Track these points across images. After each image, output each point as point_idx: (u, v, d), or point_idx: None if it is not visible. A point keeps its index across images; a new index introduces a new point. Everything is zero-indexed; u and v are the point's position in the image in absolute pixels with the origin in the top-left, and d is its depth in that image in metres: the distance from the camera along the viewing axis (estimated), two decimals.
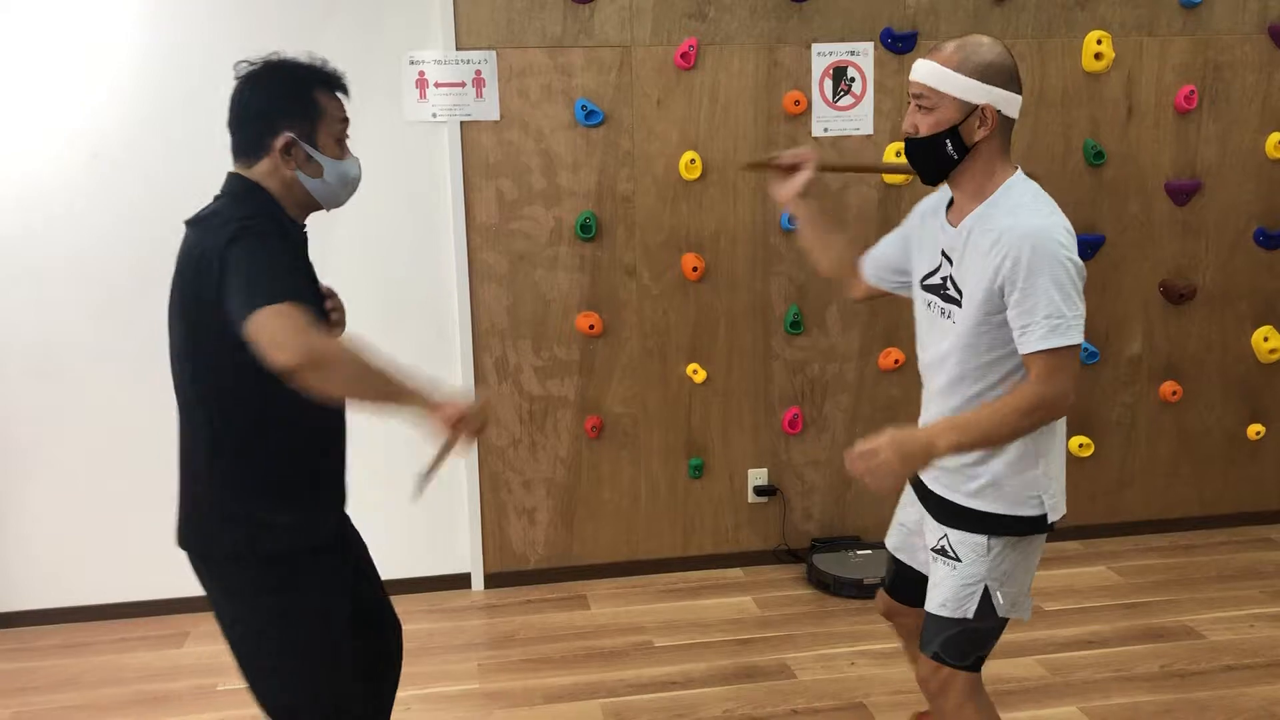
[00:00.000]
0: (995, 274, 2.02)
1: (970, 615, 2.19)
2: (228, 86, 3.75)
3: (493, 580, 3.98)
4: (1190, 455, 4.32)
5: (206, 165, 3.62)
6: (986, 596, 2.18)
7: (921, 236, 2.27)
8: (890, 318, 4.04)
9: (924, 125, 2.08)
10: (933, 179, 2.16)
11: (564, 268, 3.87)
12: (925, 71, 2.08)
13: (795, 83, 3.87)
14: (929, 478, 2.28)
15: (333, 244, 3.71)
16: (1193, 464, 4.33)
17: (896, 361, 4.05)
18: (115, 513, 3.76)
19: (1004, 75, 2.06)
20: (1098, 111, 4.04)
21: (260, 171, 2.06)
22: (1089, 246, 4.09)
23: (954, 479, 2.20)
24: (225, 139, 3.72)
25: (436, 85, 3.69)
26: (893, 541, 2.52)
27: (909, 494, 2.45)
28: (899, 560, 2.49)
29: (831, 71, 3.87)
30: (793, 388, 4.07)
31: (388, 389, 1.92)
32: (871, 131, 3.92)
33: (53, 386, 3.68)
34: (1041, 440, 2.12)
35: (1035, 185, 2.13)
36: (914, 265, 2.30)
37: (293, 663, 2.11)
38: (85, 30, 3.54)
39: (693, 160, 3.83)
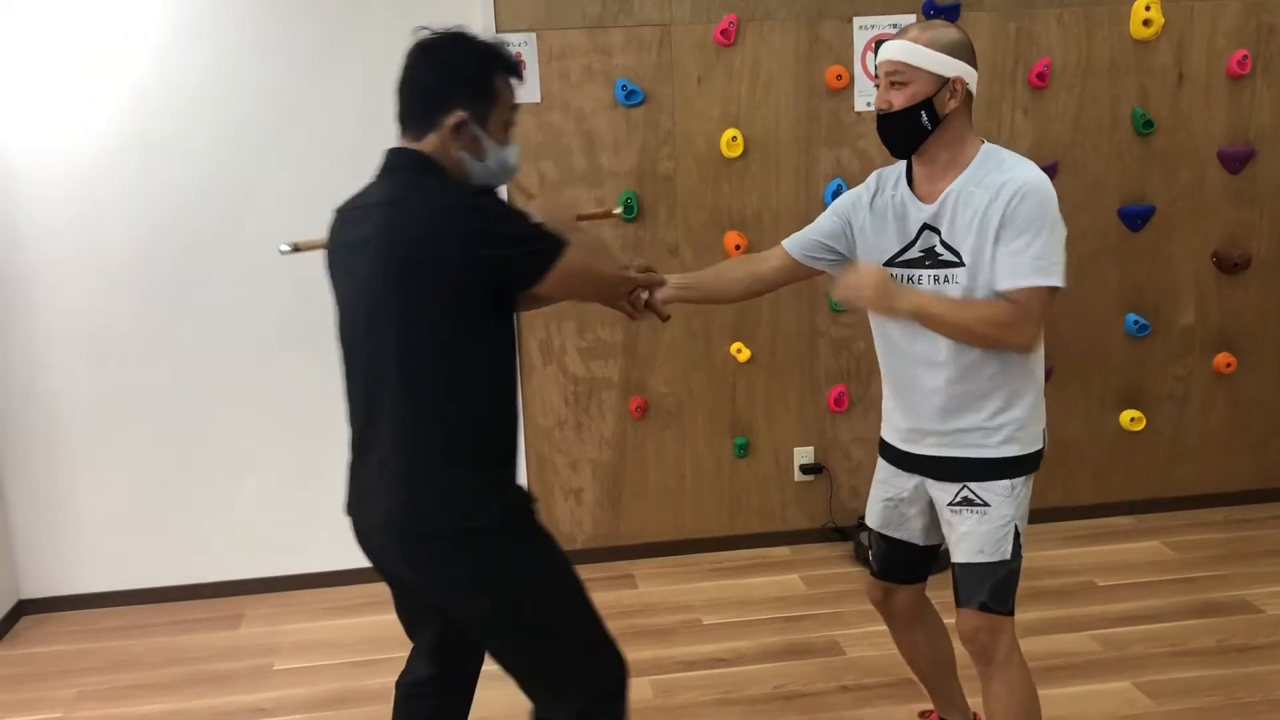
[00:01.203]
0: (1000, 218, 2.13)
1: (1009, 555, 2.26)
2: (269, 68, 3.78)
3: None
4: (1245, 427, 4.24)
5: (250, 151, 3.73)
6: (1017, 534, 2.27)
7: (875, 221, 2.33)
8: None
9: (898, 99, 2.19)
10: (906, 152, 2.26)
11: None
12: (899, 49, 2.19)
13: (837, 57, 3.84)
14: (938, 446, 2.30)
15: None
16: (1248, 436, 4.25)
17: None
18: (171, 498, 3.83)
19: (969, 52, 2.22)
20: (1147, 80, 3.96)
21: (429, 145, 2.02)
22: (1138, 217, 4.02)
23: (976, 437, 2.26)
24: (264, 122, 3.72)
25: None
26: (877, 520, 2.51)
27: (885, 470, 2.47)
28: (887, 537, 2.50)
29: (874, 45, 3.83)
30: (838, 365, 4.05)
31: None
32: None
33: (109, 374, 3.76)
34: (1017, 378, 2.23)
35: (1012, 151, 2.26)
36: (872, 248, 2.34)
37: (565, 616, 2.10)
38: (117, 12, 3.59)
39: (734, 138, 3.81)
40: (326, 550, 3.88)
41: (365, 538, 2.10)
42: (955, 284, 2.20)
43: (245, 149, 3.71)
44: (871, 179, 2.41)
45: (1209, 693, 2.98)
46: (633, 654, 3.32)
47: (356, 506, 2.09)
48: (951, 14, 3.82)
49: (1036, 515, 4.10)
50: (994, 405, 2.23)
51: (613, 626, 3.49)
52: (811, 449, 4.09)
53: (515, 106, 2.09)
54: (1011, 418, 2.24)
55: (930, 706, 2.77)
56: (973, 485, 2.26)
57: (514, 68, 2.07)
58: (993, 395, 2.23)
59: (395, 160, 2.05)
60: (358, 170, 3.66)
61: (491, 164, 2.06)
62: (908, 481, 2.40)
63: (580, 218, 2.40)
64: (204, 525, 3.86)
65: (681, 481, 4.06)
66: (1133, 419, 4.14)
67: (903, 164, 2.33)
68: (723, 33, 3.76)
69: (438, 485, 1.97)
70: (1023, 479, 2.28)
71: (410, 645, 2.31)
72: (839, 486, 4.11)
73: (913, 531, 2.46)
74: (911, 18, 3.82)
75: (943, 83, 2.17)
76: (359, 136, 3.70)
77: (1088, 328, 4.09)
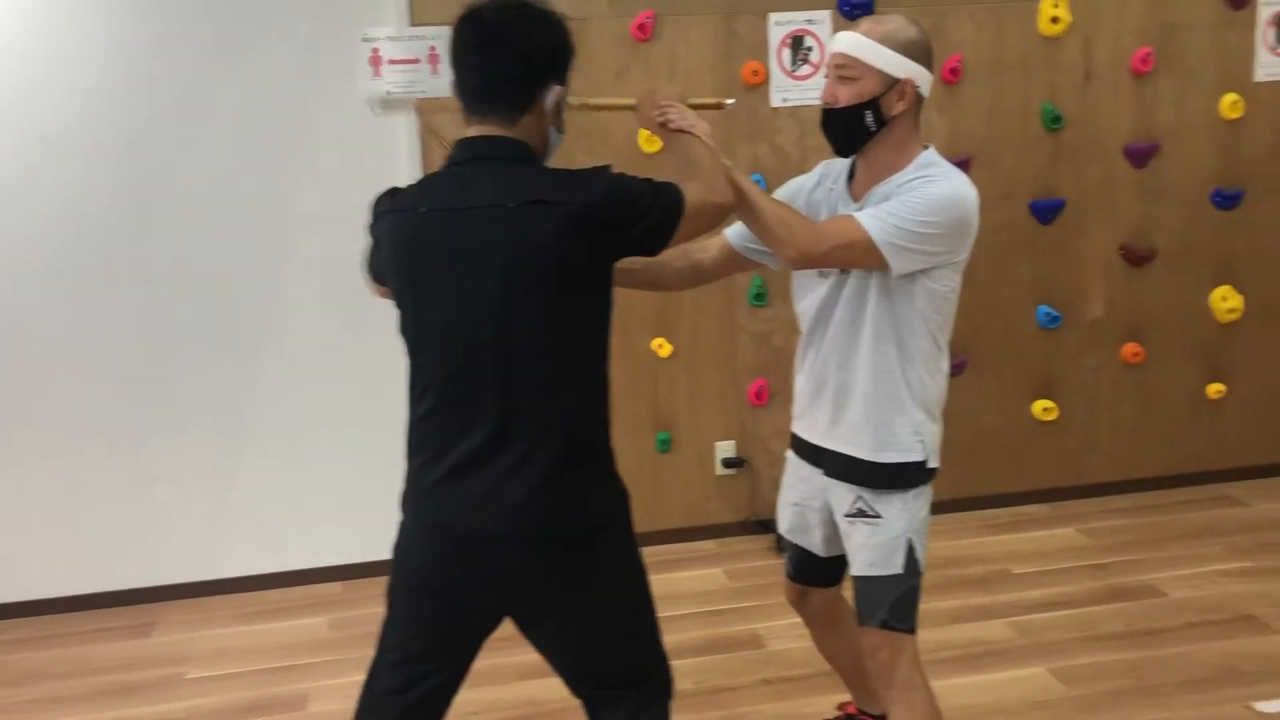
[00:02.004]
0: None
1: (900, 569, 2.20)
2: (173, 62, 3.66)
3: None
4: (1153, 416, 4.36)
5: (154, 149, 3.63)
6: (910, 550, 2.21)
7: (810, 213, 2.25)
8: None
9: (844, 95, 2.11)
10: (848, 150, 2.19)
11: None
12: (850, 42, 2.11)
13: (754, 53, 3.85)
14: (841, 441, 2.25)
15: (290, 223, 3.69)
16: (1156, 425, 4.37)
17: None
18: (79, 503, 3.71)
19: (924, 53, 2.12)
20: (1056, 75, 4.04)
21: (522, 129, 1.91)
22: (1049, 211, 4.10)
23: (878, 437, 2.20)
24: (172, 120, 3.60)
25: (391, 62, 3.64)
26: (785, 525, 2.48)
27: (797, 470, 2.42)
28: (795, 544, 2.48)
29: (790, 40, 3.85)
30: (758, 359, 4.07)
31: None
32: None
33: (14, 375, 3.63)
34: (918, 388, 2.18)
35: (947, 162, 2.18)
36: None
37: (651, 614, 2.11)
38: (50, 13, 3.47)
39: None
40: (242, 554, 3.80)
41: (463, 548, 1.92)
42: (871, 287, 2.13)
43: (152, 144, 3.60)
44: (818, 169, 2.36)
45: (1119, 676, 3.06)
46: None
47: (457, 517, 1.91)
48: (865, 9, 3.85)
49: (955, 505, 4.24)
50: (899, 409, 2.18)
51: None
52: (733, 443, 4.11)
53: None
54: (914, 423, 2.19)
55: (849, 698, 2.79)
56: (867, 496, 2.22)
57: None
58: (899, 399, 2.18)
59: (495, 150, 1.90)
60: (255, 172, 3.65)
61: (563, 134, 2.01)
62: (811, 485, 2.36)
63: (692, 106, 2.20)
64: (114, 531, 3.75)
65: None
66: (1045, 409, 4.22)
67: (849, 159, 2.25)
68: (640, 27, 3.75)
69: (583, 482, 1.92)
70: (915, 491, 2.21)
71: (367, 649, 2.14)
72: (761, 480, 4.13)
73: (814, 541, 2.42)
74: (826, 14, 3.85)
75: (892, 83, 2.08)
76: (256, 142, 3.65)
77: (1001, 320, 4.17)
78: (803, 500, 2.40)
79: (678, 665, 3.18)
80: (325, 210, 3.67)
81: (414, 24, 3.63)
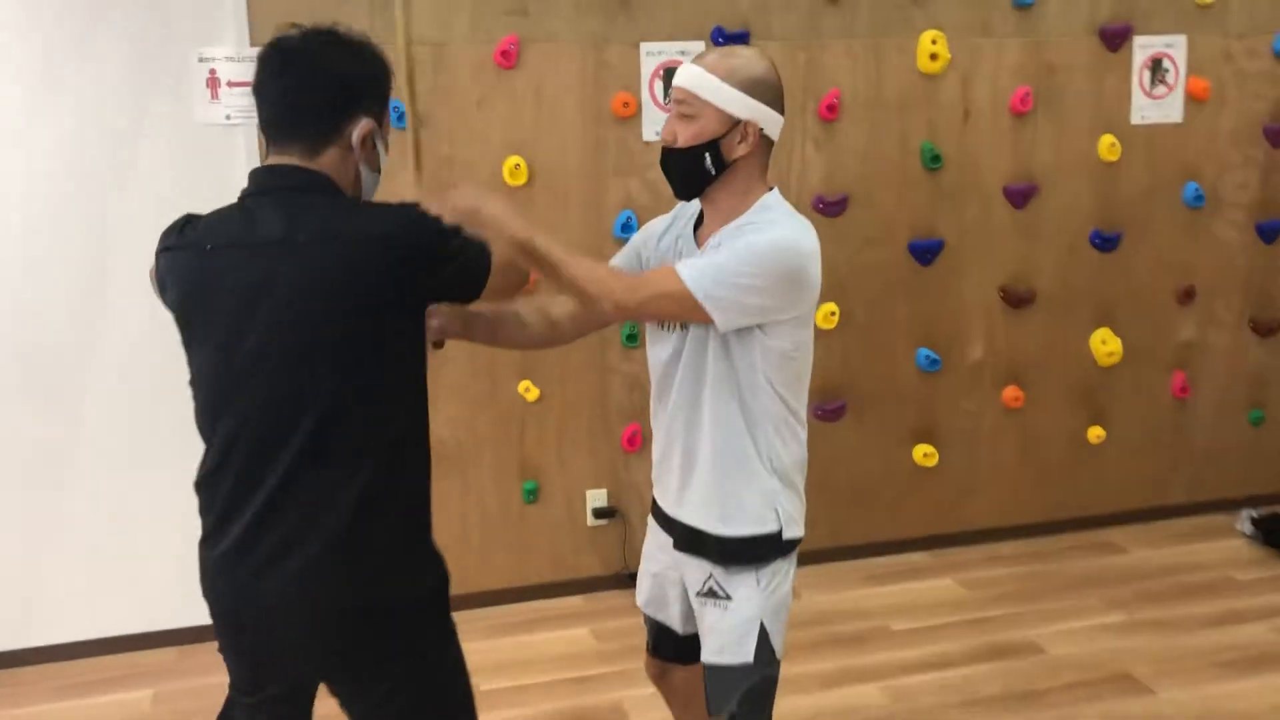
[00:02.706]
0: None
1: (750, 659, 2.00)
2: None
3: None
4: (1034, 460, 4.28)
5: None
6: (764, 634, 2.02)
7: (658, 260, 2.10)
8: None
9: (684, 135, 1.93)
10: (687, 194, 2.02)
11: None
12: (690, 77, 1.93)
13: (625, 84, 3.67)
14: (674, 505, 2.10)
15: (117, 252, 3.37)
16: (1036, 469, 4.29)
17: None
18: None
19: (771, 93, 1.95)
20: (935, 114, 3.95)
21: (326, 161, 1.75)
22: (929, 252, 4.00)
23: (703, 504, 2.04)
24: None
25: (230, 85, 3.36)
26: (643, 597, 2.28)
27: (655, 539, 2.22)
28: (652, 617, 2.29)
29: (662, 72, 3.68)
30: (631, 403, 3.87)
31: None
32: None
33: None
34: (767, 453, 2.00)
35: (789, 207, 2.01)
36: None
37: (468, 708, 1.92)
38: None
39: (517, 165, 3.59)
40: (63, 619, 3.45)
41: (251, 614, 1.78)
42: (709, 339, 1.95)
43: None
44: (673, 212, 2.19)
45: None
46: None
47: (241, 588, 1.76)
48: (740, 41, 3.70)
49: (834, 554, 4.09)
50: (747, 477, 2.00)
51: None
52: (605, 491, 3.90)
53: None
54: (765, 492, 2.01)
55: None
56: (717, 573, 2.03)
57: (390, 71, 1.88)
58: (747, 465, 2.00)
59: (289, 180, 1.74)
60: (77, 204, 3.33)
61: (377, 177, 1.86)
62: (668, 556, 2.17)
63: None
64: None
65: (465, 531, 3.80)
66: (926, 454, 4.11)
67: (698, 203, 2.07)
68: (503, 54, 3.54)
69: (375, 556, 1.74)
70: (771, 568, 2.02)
71: None
72: (634, 530, 3.93)
73: (672, 617, 2.23)
74: (700, 45, 3.69)
75: (733, 124, 1.91)
76: (80, 168, 3.34)
77: (881, 363, 4.04)
78: (661, 571, 2.22)
79: None
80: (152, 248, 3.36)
81: (254, 44, 3.36)
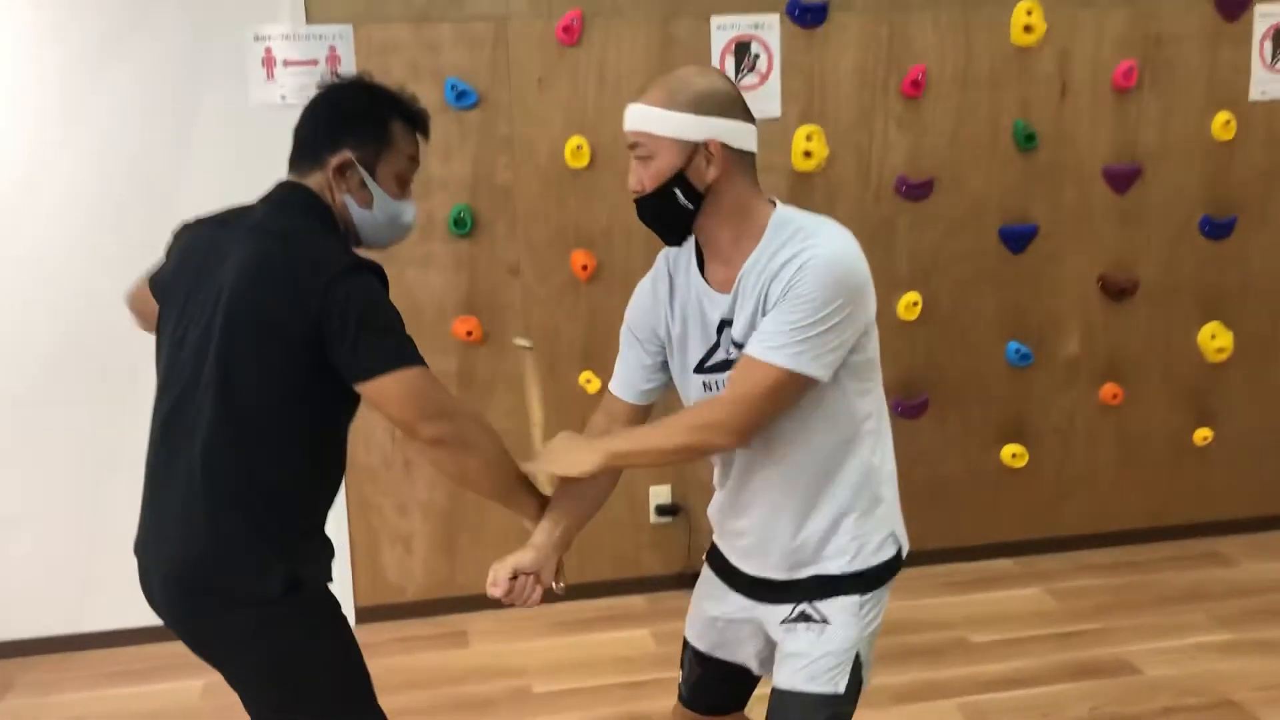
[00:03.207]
0: (778, 295, 1.71)
1: (841, 690, 1.82)
2: (47, 64, 3.26)
3: (366, 614, 3.59)
4: (1133, 463, 3.98)
5: (25, 152, 3.27)
6: (858, 666, 1.84)
7: (680, 323, 1.89)
8: None
9: (647, 178, 1.77)
10: (676, 238, 1.84)
11: (438, 267, 3.48)
12: (634, 118, 1.78)
13: (694, 60, 3.48)
14: (761, 569, 1.91)
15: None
16: (1136, 472, 3.99)
17: None
18: None
19: (723, 103, 1.76)
20: (1029, 90, 3.68)
21: (313, 183, 1.90)
22: (1020, 238, 3.74)
23: (814, 555, 1.86)
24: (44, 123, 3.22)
25: (285, 64, 3.28)
26: (704, 642, 2.05)
27: (712, 585, 2.03)
28: (711, 659, 2.05)
29: (734, 47, 3.49)
30: None
31: (509, 490, 1.99)
32: (778, 114, 3.54)
33: None
34: (877, 470, 1.87)
35: (813, 215, 1.81)
36: (676, 357, 1.92)
37: (350, 700, 1.92)
38: None
39: (579, 146, 3.44)
40: (112, 605, 3.42)
41: (147, 583, 1.91)
42: None
43: (10, 160, 3.24)
44: (659, 264, 1.95)
45: None
46: None
47: (143, 547, 1.91)
48: (818, 14, 3.49)
49: (912, 559, 3.79)
50: (859, 510, 1.84)
51: (433, 697, 3.14)
52: (669, 487, 3.74)
53: (414, 161, 1.96)
54: (878, 519, 1.87)
55: None
56: (818, 601, 1.85)
57: (417, 119, 1.95)
58: (825, 505, 1.83)
59: (280, 192, 1.90)
60: (134, 187, 3.29)
61: (379, 215, 1.92)
62: (737, 602, 1.97)
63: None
64: None
65: (523, 526, 3.66)
66: (1014, 455, 3.85)
67: (690, 244, 1.88)
68: (565, 30, 3.39)
69: (235, 548, 1.80)
70: (874, 595, 1.86)
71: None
72: (698, 528, 3.75)
73: (747, 656, 2.00)
74: (775, 18, 3.49)
75: (693, 149, 1.73)
76: (137, 148, 3.29)
77: (966, 357, 3.80)
78: (728, 614, 2.00)
79: None
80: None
81: (311, 21, 3.27)
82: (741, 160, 1.77)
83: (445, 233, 3.45)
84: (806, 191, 3.60)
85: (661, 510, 3.73)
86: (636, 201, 1.82)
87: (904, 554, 1.92)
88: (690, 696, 2.12)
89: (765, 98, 3.52)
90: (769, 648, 1.95)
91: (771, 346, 1.69)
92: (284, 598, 1.80)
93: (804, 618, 1.86)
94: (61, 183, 3.27)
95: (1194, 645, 3.28)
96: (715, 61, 3.49)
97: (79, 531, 3.41)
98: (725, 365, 1.82)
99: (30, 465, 3.37)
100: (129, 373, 3.34)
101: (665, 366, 1.97)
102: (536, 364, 2.28)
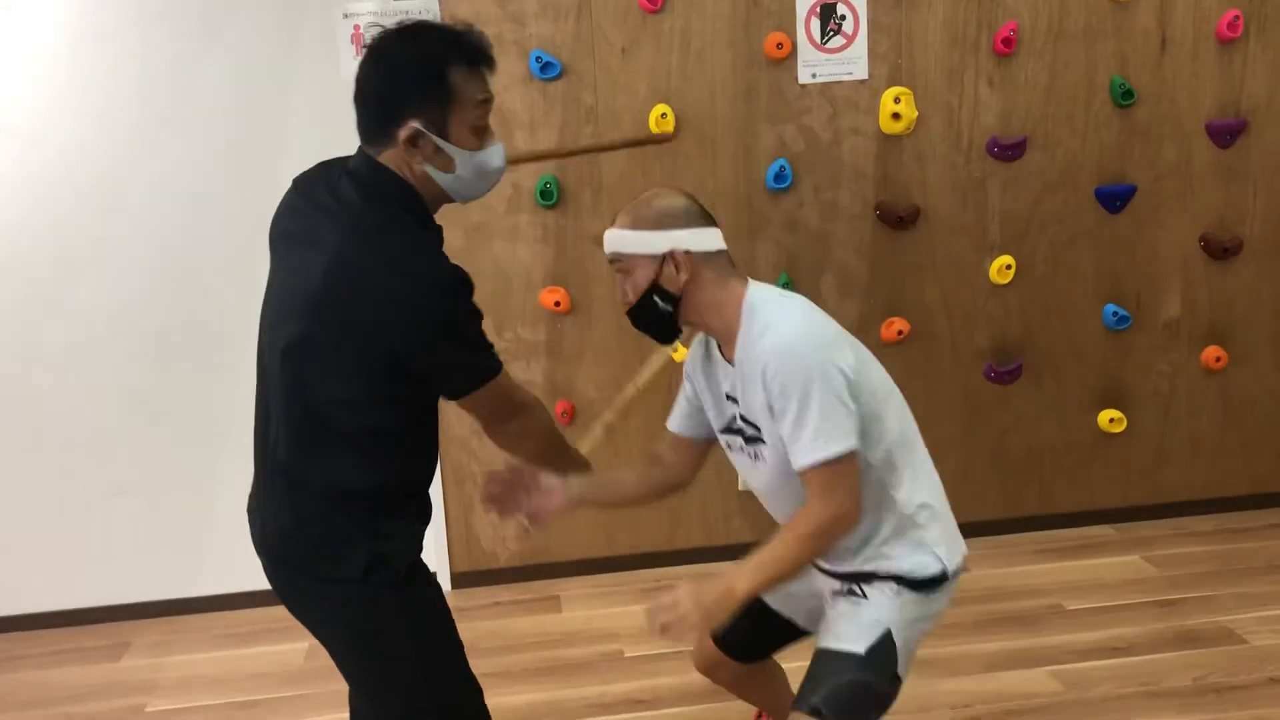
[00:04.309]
0: (766, 400, 1.93)
1: (862, 650, 1.96)
2: (136, 54, 3.36)
3: (461, 580, 3.67)
4: (1238, 427, 3.86)
5: (122, 136, 3.38)
6: (888, 640, 1.98)
7: (708, 387, 2.14)
8: (892, 285, 3.63)
9: (631, 291, 2.02)
10: (668, 337, 2.09)
11: (525, 239, 3.52)
12: (610, 240, 2.04)
13: (778, 23, 3.45)
14: (829, 566, 2.09)
15: (269, 219, 3.40)
16: (1241, 437, 3.87)
17: (900, 333, 3.64)
18: (48, 515, 3.51)
19: (681, 217, 2.00)
20: (1126, 44, 3.56)
21: (389, 159, 1.80)
22: (1118, 198, 3.63)
23: (857, 561, 2.04)
24: (141, 105, 3.31)
25: None
26: (773, 598, 2.21)
27: None
28: (769, 608, 2.22)
29: (819, 9, 3.44)
30: None
31: (552, 466, 2.10)
32: (866, 76, 3.49)
33: None
34: (907, 504, 2.02)
35: (773, 293, 2.05)
36: (711, 418, 2.16)
37: (437, 675, 1.93)
38: None
39: (664, 115, 3.44)
40: (221, 572, 3.56)
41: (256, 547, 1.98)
42: (764, 459, 2.02)
43: (119, 134, 3.35)
44: (700, 340, 2.19)
45: None
46: (539, 695, 3.02)
47: (250, 513, 1.98)
48: None
49: (1007, 525, 3.81)
50: (890, 540, 2.02)
51: (527, 660, 3.22)
52: None
53: (485, 100, 1.83)
54: (914, 542, 2.02)
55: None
56: (860, 583, 2.05)
57: (476, 54, 1.81)
58: (870, 543, 2.02)
59: (364, 169, 1.82)
60: (232, 165, 3.38)
61: (464, 173, 1.83)
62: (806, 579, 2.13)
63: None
64: (86, 544, 3.54)
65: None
66: (1112, 420, 3.76)
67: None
68: None
69: (304, 518, 1.85)
70: (915, 594, 2.01)
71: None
72: None
73: (797, 612, 2.22)
74: None
75: (661, 259, 1.97)
76: (233, 129, 3.38)
77: (1062, 321, 3.71)
78: (798, 589, 2.18)
79: (673, 714, 2.88)
80: None
81: (400, 21, 3.31)
82: (710, 259, 2.00)
83: (532, 204, 3.48)
84: (895, 154, 3.54)
85: None
86: (627, 313, 2.05)
87: (950, 571, 2.03)
88: (722, 634, 2.27)
89: (852, 60, 3.47)
90: (820, 610, 2.14)
91: (803, 453, 1.89)
92: (366, 578, 1.81)
93: (850, 592, 2.05)
94: (163, 163, 3.38)
95: None
96: (800, 24, 3.45)
97: (189, 502, 3.54)
98: (739, 432, 2.05)
99: (142, 439, 3.51)
100: (234, 348, 3.47)
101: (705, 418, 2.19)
102: (661, 372, 2.48)
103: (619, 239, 2.01)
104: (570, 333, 3.58)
